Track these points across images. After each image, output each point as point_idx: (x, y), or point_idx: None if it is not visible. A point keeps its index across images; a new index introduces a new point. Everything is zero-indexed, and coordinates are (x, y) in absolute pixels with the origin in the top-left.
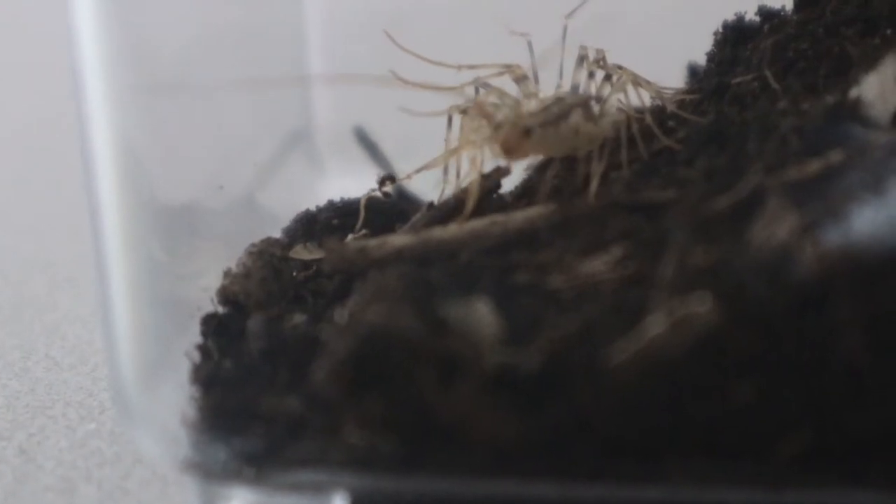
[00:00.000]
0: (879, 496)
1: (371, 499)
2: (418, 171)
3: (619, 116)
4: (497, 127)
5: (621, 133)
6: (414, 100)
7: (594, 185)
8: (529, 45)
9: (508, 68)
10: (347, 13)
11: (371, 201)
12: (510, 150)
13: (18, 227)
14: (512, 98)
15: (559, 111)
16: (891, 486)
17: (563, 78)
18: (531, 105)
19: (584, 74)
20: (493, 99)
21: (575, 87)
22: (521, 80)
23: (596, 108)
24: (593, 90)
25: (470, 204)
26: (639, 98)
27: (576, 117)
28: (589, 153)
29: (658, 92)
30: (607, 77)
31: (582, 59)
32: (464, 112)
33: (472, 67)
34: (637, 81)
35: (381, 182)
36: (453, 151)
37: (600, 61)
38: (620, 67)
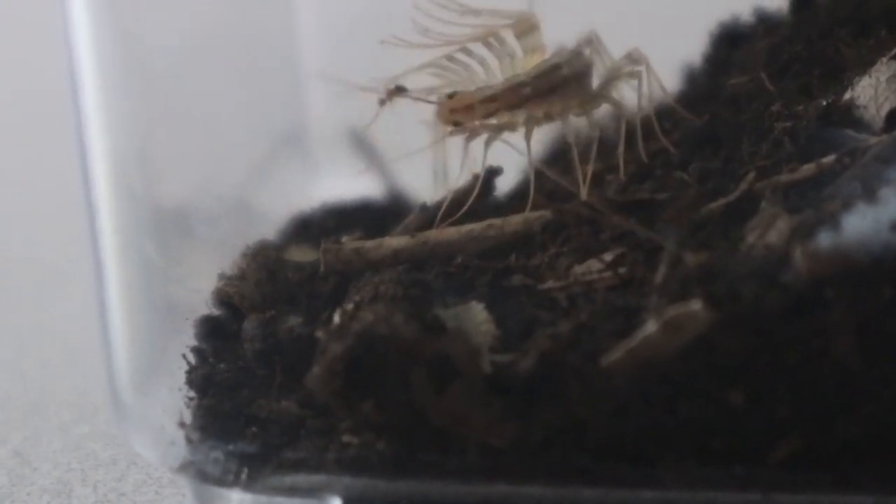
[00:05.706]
0: (871, 498)
1: (365, 501)
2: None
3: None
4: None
5: (621, 129)
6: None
7: (585, 187)
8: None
9: (522, 17)
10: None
11: (365, 203)
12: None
13: (8, 227)
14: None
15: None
16: (882, 489)
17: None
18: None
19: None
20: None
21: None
22: (531, 31)
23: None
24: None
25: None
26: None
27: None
28: (583, 154)
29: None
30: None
31: (589, 41)
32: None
33: (480, 13)
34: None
35: (390, 93)
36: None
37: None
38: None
